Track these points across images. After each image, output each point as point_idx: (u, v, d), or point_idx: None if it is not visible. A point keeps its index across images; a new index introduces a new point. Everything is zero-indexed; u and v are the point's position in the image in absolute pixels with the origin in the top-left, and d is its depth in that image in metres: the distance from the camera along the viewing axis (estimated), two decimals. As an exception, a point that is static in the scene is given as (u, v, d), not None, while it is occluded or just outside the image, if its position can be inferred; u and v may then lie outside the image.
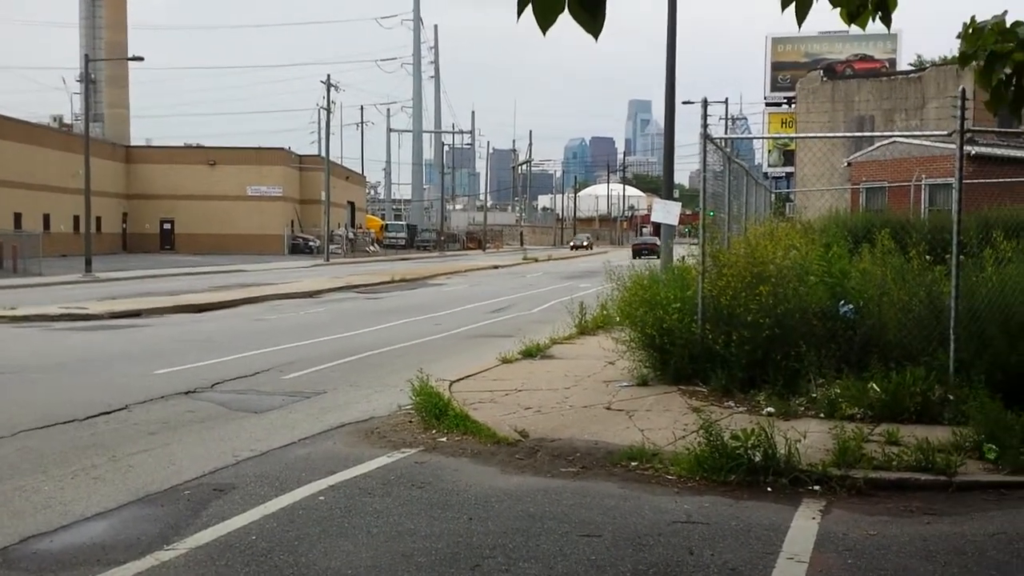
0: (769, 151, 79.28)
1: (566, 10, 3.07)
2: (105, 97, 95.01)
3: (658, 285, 13.28)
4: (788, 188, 61.95)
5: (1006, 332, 10.14)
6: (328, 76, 69.08)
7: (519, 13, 3.06)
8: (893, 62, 76.81)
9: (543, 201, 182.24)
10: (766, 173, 70.34)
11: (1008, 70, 5.04)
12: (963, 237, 10.55)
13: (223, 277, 41.17)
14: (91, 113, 58.73)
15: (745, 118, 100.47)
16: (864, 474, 7.88)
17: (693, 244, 14.94)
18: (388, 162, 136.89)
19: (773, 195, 38.97)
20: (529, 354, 15.05)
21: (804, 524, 6.98)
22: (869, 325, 11.21)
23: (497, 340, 17.83)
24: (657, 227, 38.85)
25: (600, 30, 3.09)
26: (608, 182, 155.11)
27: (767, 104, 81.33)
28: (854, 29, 4.53)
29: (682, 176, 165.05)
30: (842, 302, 11.62)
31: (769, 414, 9.89)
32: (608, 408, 10.87)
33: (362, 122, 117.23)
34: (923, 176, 27.97)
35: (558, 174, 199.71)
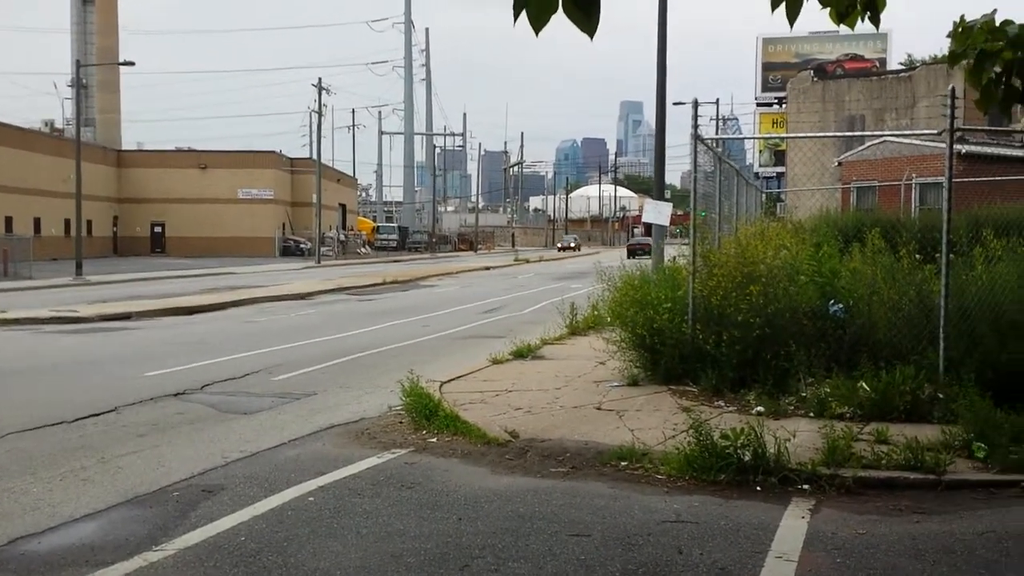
0: (760, 151, 79.56)
1: (560, 10, 3.01)
2: (96, 102, 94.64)
3: (649, 285, 13.28)
4: (779, 188, 62.14)
5: (996, 330, 10.15)
6: (319, 80, 69.01)
7: (515, 17, 3.01)
8: (883, 61, 77.13)
9: (535, 202, 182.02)
10: (757, 173, 70.60)
11: (998, 69, 5.05)
12: (953, 236, 10.57)
13: (214, 280, 41.05)
14: (82, 118, 58.64)
15: (736, 118, 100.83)
16: (853, 473, 7.88)
17: (684, 244, 14.94)
18: (379, 164, 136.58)
19: (764, 195, 39.08)
20: (520, 355, 15.04)
21: (793, 523, 6.98)
22: (859, 324, 11.22)
23: (488, 341, 17.81)
24: (648, 227, 38.86)
25: (595, 29, 3.03)
26: (600, 183, 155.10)
27: (758, 104, 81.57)
28: (844, 29, 4.50)
29: (674, 177, 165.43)
30: (832, 301, 11.64)
31: (759, 413, 9.90)
32: (598, 408, 10.87)
33: (353, 125, 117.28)
34: (913, 175, 28.06)
35: (550, 175, 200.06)
